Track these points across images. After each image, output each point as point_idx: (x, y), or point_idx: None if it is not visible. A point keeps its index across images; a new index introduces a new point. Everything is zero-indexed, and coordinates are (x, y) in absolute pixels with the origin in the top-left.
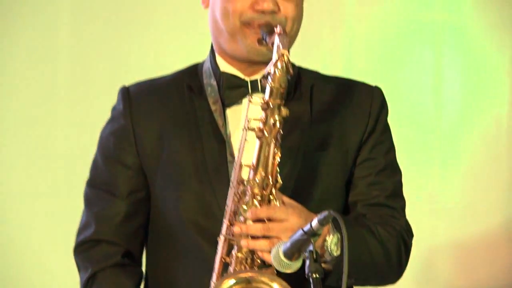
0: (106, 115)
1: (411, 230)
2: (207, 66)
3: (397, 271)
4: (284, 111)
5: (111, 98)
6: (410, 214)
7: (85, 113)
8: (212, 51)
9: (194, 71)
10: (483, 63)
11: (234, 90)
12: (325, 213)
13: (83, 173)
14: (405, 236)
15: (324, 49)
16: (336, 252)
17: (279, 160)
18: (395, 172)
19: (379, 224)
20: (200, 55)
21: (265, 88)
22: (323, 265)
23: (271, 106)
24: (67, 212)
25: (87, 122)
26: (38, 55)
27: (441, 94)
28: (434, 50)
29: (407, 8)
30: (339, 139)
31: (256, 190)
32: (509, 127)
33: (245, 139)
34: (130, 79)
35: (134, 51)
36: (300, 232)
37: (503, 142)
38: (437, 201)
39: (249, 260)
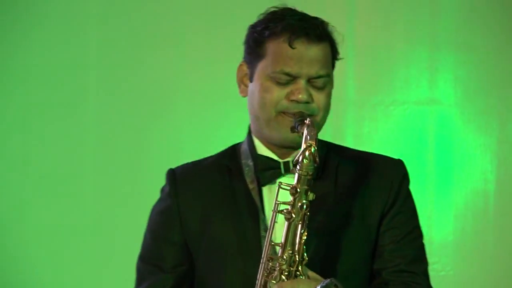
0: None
1: None
2: (245, 147)
3: None
4: (311, 196)
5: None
6: None
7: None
8: (249, 133)
9: (233, 152)
10: (476, 144)
11: (268, 171)
12: (327, 281)
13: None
14: None
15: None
16: None
17: (305, 239)
18: (416, 237)
19: None
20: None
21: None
22: None
23: (299, 191)
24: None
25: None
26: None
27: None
28: (429, 132)
29: (402, 92)
30: (362, 214)
31: (284, 267)
32: (496, 200)
33: (275, 221)
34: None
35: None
36: None
37: (490, 215)
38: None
39: None
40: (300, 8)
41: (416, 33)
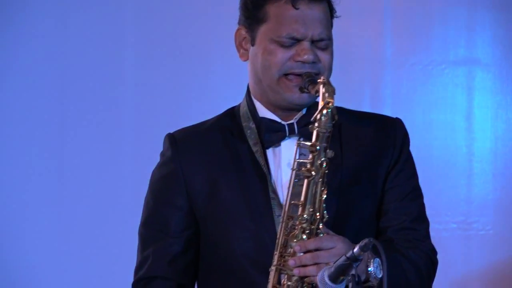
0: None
1: (435, 250)
2: (245, 110)
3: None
4: (330, 153)
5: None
6: (446, 241)
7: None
8: (248, 96)
9: (232, 114)
10: None
11: (273, 133)
12: (365, 240)
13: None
14: (432, 256)
15: (352, 89)
16: (377, 274)
17: (325, 197)
18: (418, 196)
19: (409, 248)
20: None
21: (301, 131)
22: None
23: (318, 148)
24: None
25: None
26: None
27: (473, 134)
28: (467, 93)
29: (440, 52)
30: (368, 172)
31: (305, 225)
32: None
33: (293, 179)
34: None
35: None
36: (343, 258)
37: None
38: (471, 228)
39: None
40: None
41: None
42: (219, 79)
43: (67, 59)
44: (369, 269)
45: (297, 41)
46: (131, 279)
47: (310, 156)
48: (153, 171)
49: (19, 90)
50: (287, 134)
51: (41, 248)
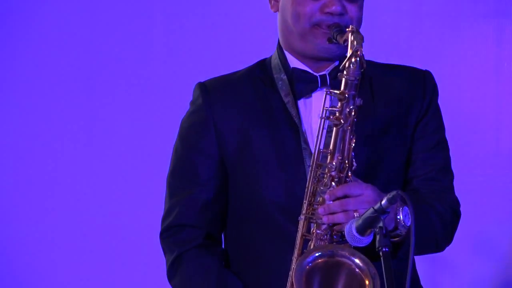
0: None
1: (459, 202)
2: (276, 62)
3: (450, 239)
4: (358, 101)
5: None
6: (472, 194)
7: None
8: (280, 48)
9: (263, 66)
10: None
11: (305, 84)
12: (393, 192)
13: None
14: (456, 207)
15: (381, 41)
16: (406, 223)
17: (353, 145)
18: (444, 148)
19: (435, 199)
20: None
21: (333, 83)
22: (394, 239)
23: (347, 96)
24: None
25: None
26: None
27: (502, 86)
28: (496, 46)
29: (467, 4)
30: (398, 122)
31: (334, 173)
32: None
33: (323, 127)
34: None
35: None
36: (371, 210)
37: None
38: (499, 181)
39: (327, 237)
40: None
41: None
42: (250, 32)
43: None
44: (398, 217)
45: None
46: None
47: (339, 104)
48: (183, 119)
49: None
50: (319, 86)
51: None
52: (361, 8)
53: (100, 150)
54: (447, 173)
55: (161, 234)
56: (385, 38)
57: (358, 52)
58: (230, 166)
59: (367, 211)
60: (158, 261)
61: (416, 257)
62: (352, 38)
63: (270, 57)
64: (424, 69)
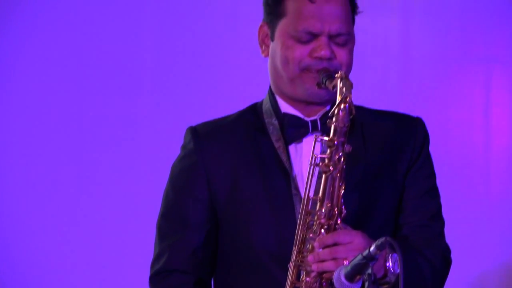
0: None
1: (449, 249)
2: (267, 106)
3: (440, 287)
4: (348, 148)
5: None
6: (461, 239)
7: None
8: (271, 93)
9: (254, 110)
10: None
11: (296, 129)
12: (382, 239)
13: None
14: (447, 255)
15: (370, 86)
16: (395, 270)
17: (343, 192)
18: (435, 195)
19: (425, 246)
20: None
21: (324, 128)
22: (384, 286)
23: (336, 143)
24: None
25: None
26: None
27: (490, 130)
28: (484, 89)
29: (457, 49)
30: (390, 170)
31: (323, 220)
32: None
33: (312, 174)
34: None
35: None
36: (360, 257)
37: None
38: (489, 226)
39: (317, 285)
40: None
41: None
42: (242, 77)
43: (84, 58)
44: (387, 264)
45: (314, 36)
46: (132, 279)
47: (328, 151)
48: (174, 164)
49: (30, 90)
50: (310, 131)
51: (41, 248)
52: (351, 52)
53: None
54: (438, 220)
55: (151, 279)
56: (375, 82)
57: (348, 99)
58: (221, 210)
59: (356, 257)
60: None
61: None
62: (341, 84)
63: (262, 101)
64: (415, 115)
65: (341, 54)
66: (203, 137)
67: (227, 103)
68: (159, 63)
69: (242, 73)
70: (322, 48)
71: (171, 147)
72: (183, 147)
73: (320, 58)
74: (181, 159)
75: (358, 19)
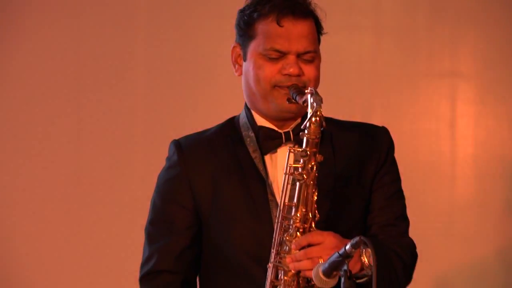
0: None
1: (415, 244)
2: (244, 120)
3: (410, 279)
4: (319, 157)
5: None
6: (431, 239)
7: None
8: (246, 108)
9: (232, 124)
10: (492, 113)
11: (270, 141)
12: (356, 239)
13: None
14: (413, 249)
15: (344, 100)
16: (371, 263)
17: (316, 198)
18: (400, 197)
19: (394, 243)
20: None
21: (296, 138)
22: (359, 280)
23: (308, 153)
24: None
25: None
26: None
27: (456, 139)
28: (449, 101)
29: (424, 64)
30: (358, 177)
31: (298, 224)
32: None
33: (288, 182)
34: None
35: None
36: (336, 254)
37: (508, 177)
38: (454, 227)
39: (294, 283)
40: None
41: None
42: (224, 89)
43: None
44: (362, 259)
45: (283, 55)
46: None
47: (302, 160)
48: (160, 174)
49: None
50: (284, 141)
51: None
52: (317, 68)
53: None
54: (403, 220)
55: (141, 279)
56: (349, 95)
57: (318, 113)
58: (204, 216)
59: (332, 255)
60: None
61: None
62: (311, 99)
63: (239, 116)
64: (381, 125)
65: (309, 70)
66: (185, 150)
67: (210, 114)
68: (151, 76)
69: (224, 86)
70: (291, 66)
71: (163, 150)
72: (168, 158)
73: (289, 75)
74: (167, 169)
75: (334, 37)
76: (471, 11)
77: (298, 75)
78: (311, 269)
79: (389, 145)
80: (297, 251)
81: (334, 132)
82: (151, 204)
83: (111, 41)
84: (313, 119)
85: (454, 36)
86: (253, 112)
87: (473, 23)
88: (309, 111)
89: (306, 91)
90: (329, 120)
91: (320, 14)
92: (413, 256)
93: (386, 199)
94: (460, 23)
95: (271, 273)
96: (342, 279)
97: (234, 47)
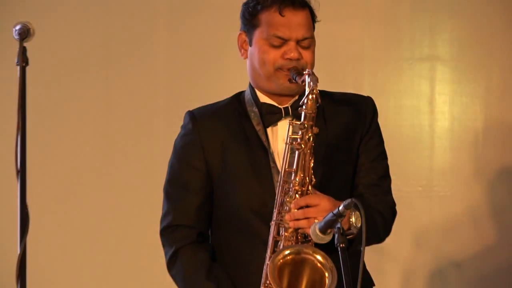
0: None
1: (395, 203)
2: (249, 97)
3: (389, 232)
4: (315, 129)
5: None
6: (413, 201)
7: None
8: (251, 87)
9: (239, 99)
10: (466, 92)
11: (272, 115)
12: (348, 200)
13: None
14: (393, 207)
15: (336, 80)
16: (357, 225)
17: (312, 165)
18: (384, 158)
19: (377, 202)
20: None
21: (294, 113)
22: (348, 237)
23: (306, 126)
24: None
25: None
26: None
27: (434, 114)
28: (429, 81)
29: (407, 49)
30: (347, 143)
31: (297, 187)
32: (484, 136)
33: (288, 151)
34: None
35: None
36: (331, 214)
37: (480, 147)
38: (433, 190)
39: (293, 238)
40: None
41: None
42: (231, 69)
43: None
44: (350, 220)
45: (284, 42)
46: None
47: (300, 132)
48: (176, 140)
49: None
50: (283, 116)
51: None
52: (313, 53)
53: (101, 152)
54: (386, 179)
55: (161, 231)
56: (338, 77)
57: (315, 91)
58: (214, 177)
59: (328, 215)
60: (154, 260)
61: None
62: (309, 79)
63: (244, 92)
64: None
65: (306, 55)
66: (199, 120)
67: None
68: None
69: (231, 69)
70: (291, 51)
71: (166, 145)
72: (183, 126)
73: (290, 59)
74: (182, 136)
75: (327, 25)
76: (448, 3)
77: (298, 59)
78: (308, 227)
79: (373, 112)
80: (296, 210)
81: (325, 106)
82: (168, 166)
83: (132, 28)
84: (310, 96)
85: (433, 24)
86: (256, 90)
87: (450, 13)
88: (307, 89)
89: (304, 72)
90: (321, 92)
91: (314, 4)
92: (393, 214)
93: (370, 161)
94: (438, 13)
95: (274, 230)
96: (336, 235)
97: (240, 34)
